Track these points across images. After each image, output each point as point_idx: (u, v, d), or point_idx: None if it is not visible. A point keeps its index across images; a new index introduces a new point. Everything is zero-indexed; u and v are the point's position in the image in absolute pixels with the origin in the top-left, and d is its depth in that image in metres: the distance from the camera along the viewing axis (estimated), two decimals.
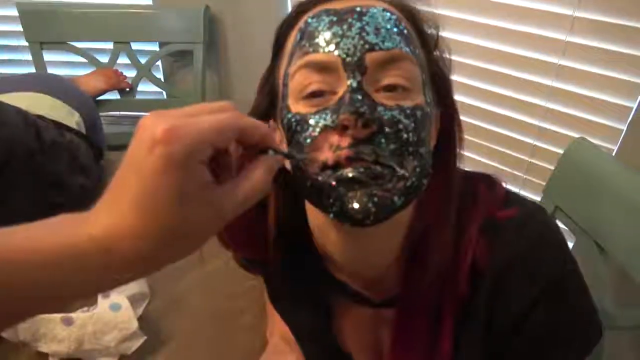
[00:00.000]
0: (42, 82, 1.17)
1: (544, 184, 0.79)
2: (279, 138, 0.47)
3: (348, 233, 0.46)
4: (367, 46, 0.40)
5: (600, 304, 0.67)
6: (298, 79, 0.42)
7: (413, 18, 0.46)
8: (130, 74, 1.54)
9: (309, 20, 0.43)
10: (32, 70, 1.52)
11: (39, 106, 1.04)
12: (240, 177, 0.34)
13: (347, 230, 0.45)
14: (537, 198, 0.80)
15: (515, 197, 0.51)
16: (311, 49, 0.41)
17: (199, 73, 1.50)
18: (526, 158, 1.14)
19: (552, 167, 0.77)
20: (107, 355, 0.72)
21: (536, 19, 1.02)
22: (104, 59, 1.53)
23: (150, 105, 1.62)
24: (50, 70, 1.53)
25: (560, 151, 0.75)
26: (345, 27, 0.41)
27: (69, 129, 1.07)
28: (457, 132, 0.48)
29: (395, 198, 0.39)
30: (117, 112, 1.60)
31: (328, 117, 0.40)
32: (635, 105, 0.95)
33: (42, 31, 1.49)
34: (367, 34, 0.40)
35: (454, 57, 0.49)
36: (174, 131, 0.30)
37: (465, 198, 0.48)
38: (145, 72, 1.54)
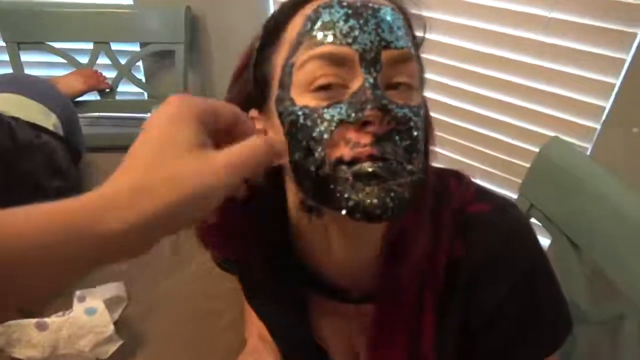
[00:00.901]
0: (18, 84, 1.15)
1: (520, 182, 0.80)
2: (260, 127, 0.46)
3: (342, 230, 0.46)
4: (383, 43, 0.40)
5: (574, 299, 0.68)
6: (308, 70, 0.40)
7: (407, 19, 0.46)
8: (111, 74, 1.53)
9: (321, 9, 0.41)
10: (10, 71, 1.50)
11: (14, 108, 1.02)
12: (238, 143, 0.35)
13: (343, 227, 0.45)
14: (514, 196, 0.81)
15: (486, 192, 0.52)
16: (325, 40, 0.40)
17: (180, 73, 1.49)
18: (503, 157, 1.15)
19: (529, 166, 0.78)
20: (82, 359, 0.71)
21: (512, 20, 1.03)
22: (84, 59, 1.51)
23: (131, 106, 1.61)
24: (28, 71, 1.50)
25: (537, 150, 0.76)
26: (362, 21, 0.40)
27: (45, 130, 1.05)
28: (430, 130, 0.49)
29: (406, 193, 0.39)
30: (97, 114, 1.58)
31: (343, 112, 0.39)
32: (608, 105, 0.96)
33: (20, 31, 1.47)
34: (383, 31, 0.40)
35: (436, 58, 0.49)
36: (186, 96, 0.34)
37: (438, 192, 0.49)
38: (125, 73, 1.52)
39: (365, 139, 0.38)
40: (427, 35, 0.48)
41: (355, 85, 0.39)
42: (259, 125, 0.46)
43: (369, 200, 0.38)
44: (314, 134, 0.39)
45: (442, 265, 0.47)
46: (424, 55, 0.48)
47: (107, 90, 1.52)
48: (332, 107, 0.39)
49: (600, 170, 0.68)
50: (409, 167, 0.39)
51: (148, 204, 0.30)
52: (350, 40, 0.39)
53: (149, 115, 1.45)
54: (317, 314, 0.56)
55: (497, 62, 1.08)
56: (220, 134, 0.35)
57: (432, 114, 0.48)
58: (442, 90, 1.17)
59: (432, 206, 0.48)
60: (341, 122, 0.39)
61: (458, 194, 0.50)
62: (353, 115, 0.38)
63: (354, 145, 0.38)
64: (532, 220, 0.77)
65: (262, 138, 0.36)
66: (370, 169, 0.38)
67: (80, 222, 0.28)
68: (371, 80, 0.39)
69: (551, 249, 0.71)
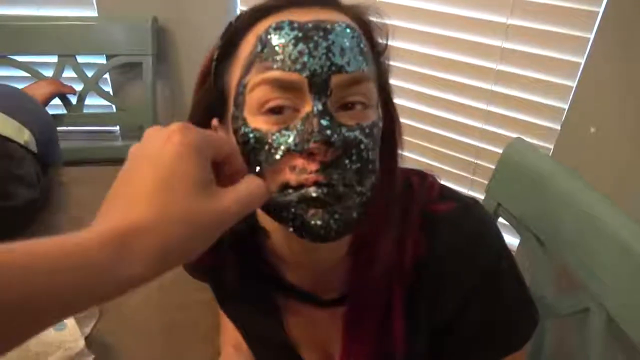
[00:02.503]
0: None
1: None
2: (222, 134, 0.46)
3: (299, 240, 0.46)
4: (333, 68, 0.39)
5: (542, 294, 0.70)
6: (258, 94, 0.40)
7: (368, 30, 0.46)
8: (77, 87, 1.50)
9: (271, 31, 0.41)
10: None
11: None
12: (241, 183, 0.37)
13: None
14: (482, 197, 0.83)
15: (451, 191, 0.53)
16: (274, 65, 0.40)
17: (149, 85, 1.48)
18: (472, 159, 1.18)
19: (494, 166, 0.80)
20: None
21: (473, 27, 1.07)
22: (49, 72, 1.48)
23: (99, 118, 1.58)
24: None
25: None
26: (311, 45, 0.39)
27: (11, 141, 1.03)
28: (399, 135, 0.49)
29: (354, 213, 0.40)
30: (65, 127, 1.55)
31: (291, 140, 0.39)
32: (566, 107, 1.00)
33: None
34: (334, 55, 0.40)
35: (404, 65, 0.50)
36: (188, 126, 0.36)
37: (403, 191, 0.50)
38: (92, 86, 1.50)
39: (312, 166, 0.39)
40: (394, 43, 0.49)
41: (305, 110, 0.40)
42: (221, 132, 0.46)
43: (313, 222, 0.39)
44: (261, 158, 0.40)
45: (410, 264, 0.48)
46: (391, 63, 0.48)
47: (73, 95, 1.47)
48: (280, 133, 0.40)
49: (561, 168, 0.70)
50: (359, 188, 0.40)
51: (165, 243, 0.31)
52: (299, 67, 0.39)
53: (117, 128, 1.41)
54: (291, 317, 0.56)
55: (462, 68, 1.11)
56: (213, 165, 0.37)
57: (401, 119, 0.49)
58: (410, 96, 1.19)
59: (398, 205, 0.49)
60: (288, 151, 0.40)
61: (421, 192, 0.51)
62: (299, 145, 0.39)
63: (300, 171, 0.39)
64: (500, 219, 0.79)
65: (258, 179, 0.39)
66: (314, 194, 0.39)
67: (100, 264, 0.29)
68: (320, 107, 0.39)
69: (520, 246, 0.74)
